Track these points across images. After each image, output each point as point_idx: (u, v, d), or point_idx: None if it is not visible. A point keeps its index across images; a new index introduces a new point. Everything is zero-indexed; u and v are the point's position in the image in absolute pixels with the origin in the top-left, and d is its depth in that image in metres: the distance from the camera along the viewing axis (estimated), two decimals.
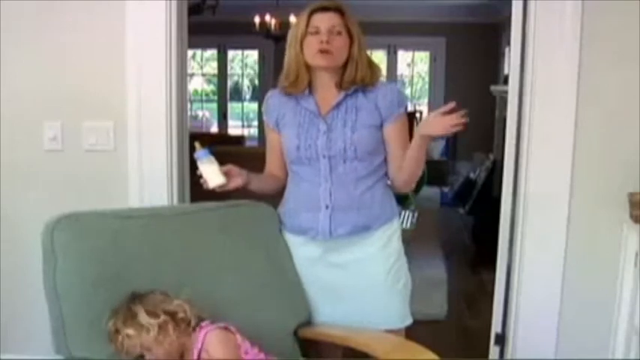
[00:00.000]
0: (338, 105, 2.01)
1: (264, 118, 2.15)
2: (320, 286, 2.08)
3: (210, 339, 1.64)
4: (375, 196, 2.04)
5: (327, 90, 2.03)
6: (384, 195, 2.07)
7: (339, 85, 2.01)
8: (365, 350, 1.88)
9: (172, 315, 1.65)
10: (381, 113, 2.01)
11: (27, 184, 2.58)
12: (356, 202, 2.01)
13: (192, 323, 1.67)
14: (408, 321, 2.10)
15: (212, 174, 1.94)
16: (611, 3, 2.29)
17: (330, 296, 2.07)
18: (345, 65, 2.00)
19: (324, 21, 1.97)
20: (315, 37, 1.96)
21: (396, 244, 2.09)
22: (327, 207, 2.01)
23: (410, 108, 7.85)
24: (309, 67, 2.01)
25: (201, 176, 1.96)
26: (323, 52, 1.95)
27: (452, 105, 1.85)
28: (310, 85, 2.04)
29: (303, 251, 2.08)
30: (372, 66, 2.04)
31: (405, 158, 2.00)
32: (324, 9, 1.98)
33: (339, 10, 1.99)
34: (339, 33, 1.97)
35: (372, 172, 2.03)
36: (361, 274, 2.05)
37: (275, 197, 2.17)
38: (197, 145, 1.95)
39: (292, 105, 2.06)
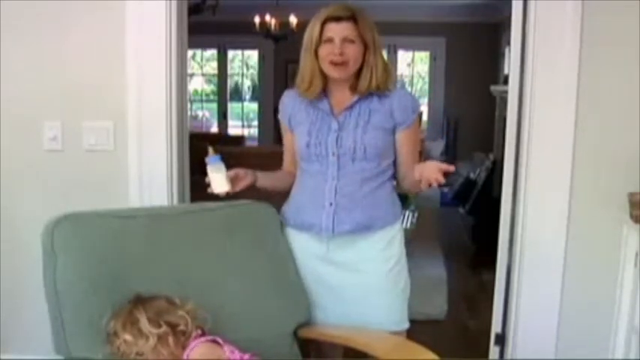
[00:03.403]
0: (351, 107, 2.03)
1: (279, 117, 2.18)
2: (321, 283, 2.08)
3: (194, 353, 1.62)
4: (380, 197, 2.05)
5: (341, 93, 2.04)
6: (389, 197, 2.08)
7: (354, 89, 2.02)
8: (365, 350, 1.88)
9: (173, 327, 1.62)
10: (395, 118, 2.02)
11: (27, 184, 2.58)
12: (360, 201, 2.02)
13: (192, 336, 1.64)
14: (405, 325, 2.10)
15: (217, 181, 2.00)
16: (611, 3, 2.29)
17: (331, 294, 2.07)
18: (359, 70, 2.00)
19: (337, 32, 1.95)
20: (328, 46, 1.96)
21: (397, 248, 2.09)
22: (330, 204, 2.02)
23: None
24: (323, 72, 2.01)
25: (209, 182, 2.01)
26: (336, 64, 1.95)
27: (452, 169, 1.83)
28: (325, 87, 2.04)
29: (305, 247, 2.09)
30: (387, 71, 2.03)
31: (409, 176, 2.00)
32: (337, 19, 1.96)
33: (352, 18, 1.96)
34: (353, 42, 1.96)
35: (379, 173, 2.04)
36: (360, 274, 2.05)
37: (279, 196, 2.18)
38: (210, 150, 1.99)
39: (306, 104, 2.08)
